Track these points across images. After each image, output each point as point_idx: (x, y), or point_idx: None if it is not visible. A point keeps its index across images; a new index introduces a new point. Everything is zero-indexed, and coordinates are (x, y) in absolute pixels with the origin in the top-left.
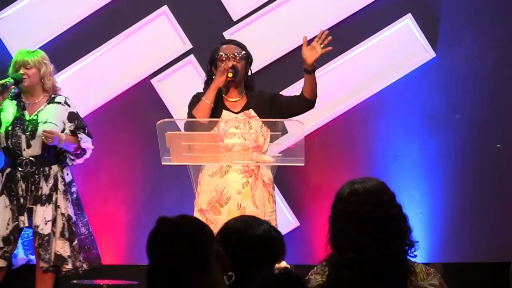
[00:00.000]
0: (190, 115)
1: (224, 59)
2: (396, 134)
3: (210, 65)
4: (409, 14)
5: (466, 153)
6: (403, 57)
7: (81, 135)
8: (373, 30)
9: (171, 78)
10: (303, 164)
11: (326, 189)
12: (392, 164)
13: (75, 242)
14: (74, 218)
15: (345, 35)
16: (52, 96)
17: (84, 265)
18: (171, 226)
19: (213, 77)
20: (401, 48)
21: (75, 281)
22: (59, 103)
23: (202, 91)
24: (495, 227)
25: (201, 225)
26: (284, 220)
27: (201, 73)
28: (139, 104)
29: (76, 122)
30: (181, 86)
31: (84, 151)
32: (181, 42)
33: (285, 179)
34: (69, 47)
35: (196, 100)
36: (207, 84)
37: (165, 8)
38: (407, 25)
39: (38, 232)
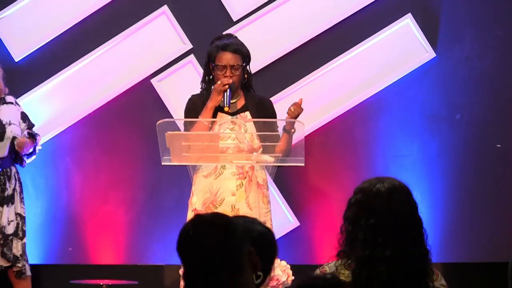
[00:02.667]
0: (186, 123)
1: (221, 69)
2: (396, 134)
3: (207, 62)
4: (409, 14)
5: (466, 153)
6: (403, 57)
7: (39, 137)
8: (373, 30)
9: (171, 78)
10: (303, 164)
11: (326, 189)
12: (392, 164)
13: (25, 243)
14: (24, 220)
15: (345, 35)
16: (2, 97)
17: (29, 270)
18: (206, 223)
19: (211, 76)
20: (401, 48)
21: (76, 281)
22: (11, 103)
23: (199, 92)
24: (495, 227)
25: (235, 224)
26: (284, 220)
27: (201, 73)
28: (139, 104)
29: (27, 122)
30: (181, 86)
31: (34, 151)
32: (181, 42)
33: (285, 179)
34: (69, 47)
35: (192, 107)
36: (205, 80)
37: (165, 8)
38: (407, 25)
39: (3, 232)
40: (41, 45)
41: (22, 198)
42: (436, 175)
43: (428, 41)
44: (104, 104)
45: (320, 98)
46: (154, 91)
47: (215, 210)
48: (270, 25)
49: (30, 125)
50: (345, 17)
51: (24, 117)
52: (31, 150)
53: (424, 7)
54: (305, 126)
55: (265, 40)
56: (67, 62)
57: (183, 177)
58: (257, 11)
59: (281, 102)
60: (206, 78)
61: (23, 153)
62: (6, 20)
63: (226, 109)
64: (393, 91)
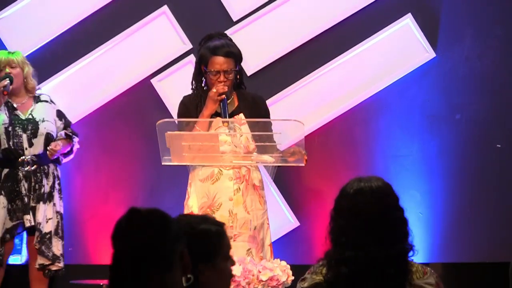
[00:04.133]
0: (180, 125)
1: (214, 74)
2: (396, 134)
3: (199, 63)
4: (409, 14)
5: (466, 153)
6: (403, 57)
7: (75, 139)
8: (373, 30)
9: (171, 78)
10: (303, 164)
11: (326, 189)
12: (392, 164)
13: (63, 242)
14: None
15: (345, 35)
16: (36, 95)
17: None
18: (141, 217)
19: (202, 78)
20: (401, 48)
21: (76, 281)
22: (46, 101)
23: (190, 93)
24: (495, 227)
25: (170, 222)
26: (284, 220)
27: None
28: (139, 104)
29: (63, 120)
30: (181, 86)
31: (71, 151)
32: (181, 42)
33: (285, 179)
34: (69, 47)
35: (185, 110)
36: (196, 79)
37: (165, 8)
38: (407, 25)
39: (40, 229)
40: (41, 45)
41: (61, 196)
42: (436, 175)
43: (428, 41)
44: (104, 104)
45: (320, 98)
46: (154, 91)
47: (213, 215)
48: (270, 25)
49: (67, 123)
50: (345, 17)
51: (60, 115)
52: (68, 150)
53: (424, 7)
54: (305, 126)
55: (265, 40)
56: (67, 62)
57: (183, 177)
58: (257, 11)
59: (281, 102)
60: (197, 78)
61: (53, 158)
62: (6, 20)
63: (225, 125)
64: (393, 91)
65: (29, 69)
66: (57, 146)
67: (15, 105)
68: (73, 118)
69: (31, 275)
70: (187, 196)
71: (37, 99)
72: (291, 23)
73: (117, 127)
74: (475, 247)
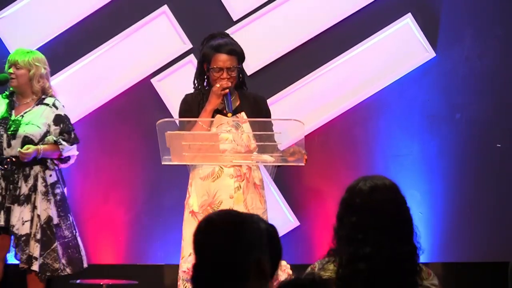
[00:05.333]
0: (181, 123)
1: (217, 71)
2: (396, 134)
3: (201, 61)
4: (409, 14)
5: (466, 153)
6: (403, 57)
7: (63, 145)
8: (373, 30)
9: (171, 78)
10: (303, 164)
11: (326, 189)
12: (392, 164)
13: (55, 244)
14: (56, 220)
15: (345, 35)
16: (42, 97)
17: (68, 269)
18: (213, 226)
19: (205, 77)
20: (401, 48)
21: (76, 281)
22: (47, 104)
23: (192, 91)
24: (495, 227)
25: (243, 229)
26: (284, 220)
27: None
28: (139, 104)
29: (61, 125)
30: (181, 86)
31: (68, 157)
32: (181, 42)
33: (285, 179)
34: (69, 47)
35: (187, 108)
36: (198, 78)
37: (165, 8)
38: (407, 25)
39: (14, 232)
40: (41, 45)
41: (53, 200)
42: (436, 175)
43: (428, 41)
44: (104, 104)
45: (320, 98)
46: (154, 91)
47: None
48: (270, 25)
49: (65, 130)
50: (345, 17)
51: (59, 120)
52: (59, 155)
53: (424, 7)
54: (305, 125)
55: (265, 40)
56: (67, 62)
57: (183, 177)
58: (257, 11)
59: (281, 102)
60: (200, 77)
61: (26, 161)
62: (6, 20)
63: (229, 115)
64: (393, 91)
65: (36, 71)
66: (29, 149)
67: (15, 105)
68: (73, 118)
69: (27, 276)
70: (187, 195)
71: (40, 101)
72: (291, 23)
73: (117, 127)
74: (475, 247)
